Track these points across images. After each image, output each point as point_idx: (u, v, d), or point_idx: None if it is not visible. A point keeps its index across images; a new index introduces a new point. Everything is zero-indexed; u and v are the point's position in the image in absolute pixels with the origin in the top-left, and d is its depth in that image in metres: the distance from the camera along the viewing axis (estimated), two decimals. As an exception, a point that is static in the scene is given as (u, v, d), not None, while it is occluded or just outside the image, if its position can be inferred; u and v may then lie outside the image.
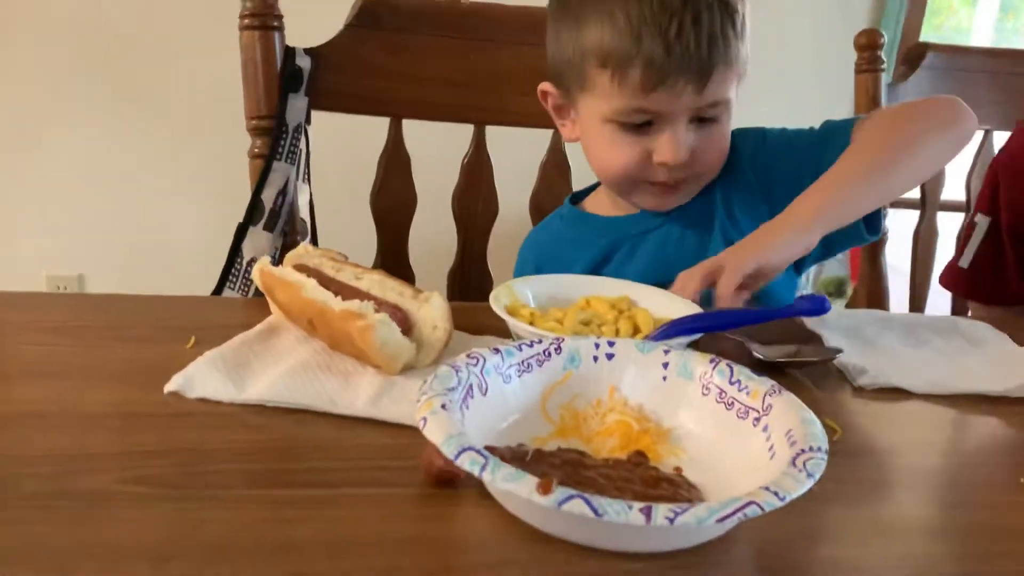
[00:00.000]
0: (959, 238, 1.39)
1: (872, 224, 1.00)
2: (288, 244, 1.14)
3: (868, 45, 1.43)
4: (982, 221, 1.28)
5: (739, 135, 1.07)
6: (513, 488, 0.44)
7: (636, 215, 1.09)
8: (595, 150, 1.04)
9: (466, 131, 1.29)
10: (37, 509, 0.49)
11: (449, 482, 0.54)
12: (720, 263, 0.84)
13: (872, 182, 0.92)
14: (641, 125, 0.97)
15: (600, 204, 1.15)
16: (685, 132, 0.97)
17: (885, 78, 1.45)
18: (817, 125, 1.07)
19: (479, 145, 1.29)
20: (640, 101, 0.95)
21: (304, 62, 1.13)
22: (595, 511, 0.42)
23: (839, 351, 0.82)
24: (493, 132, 1.29)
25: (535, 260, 1.15)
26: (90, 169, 2.49)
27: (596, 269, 1.09)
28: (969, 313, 1.37)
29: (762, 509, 0.44)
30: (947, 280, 1.34)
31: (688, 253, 1.05)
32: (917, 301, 1.54)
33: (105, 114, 2.45)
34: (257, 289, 0.81)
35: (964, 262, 1.30)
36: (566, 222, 1.17)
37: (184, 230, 2.51)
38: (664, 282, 0.89)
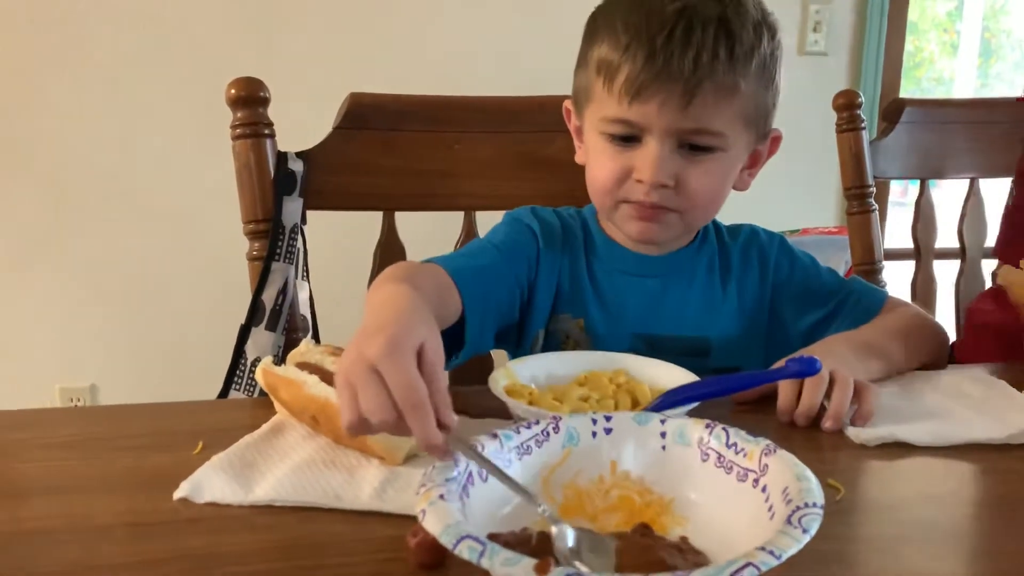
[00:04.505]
0: None
1: None
2: (290, 341, 1.15)
3: (846, 105, 1.47)
4: None
5: (764, 232, 1.11)
6: (512, 572, 0.44)
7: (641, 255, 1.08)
8: (589, 165, 1.03)
9: (457, 216, 1.32)
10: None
11: (436, 564, 0.55)
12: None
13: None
14: (628, 140, 0.96)
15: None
16: (670, 155, 0.95)
17: (867, 135, 1.48)
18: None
19: (469, 231, 1.31)
20: (623, 111, 0.94)
21: (296, 165, 1.16)
22: (595, 587, 0.43)
23: None
24: (483, 216, 1.31)
25: (538, 229, 1.08)
26: (94, 279, 2.52)
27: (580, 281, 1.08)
28: None
29: (759, 569, 0.44)
30: None
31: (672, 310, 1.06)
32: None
33: (106, 223, 2.49)
34: (262, 389, 0.82)
35: None
36: (582, 226, 1.12)
37: (192, 332, 2.53)
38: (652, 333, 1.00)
